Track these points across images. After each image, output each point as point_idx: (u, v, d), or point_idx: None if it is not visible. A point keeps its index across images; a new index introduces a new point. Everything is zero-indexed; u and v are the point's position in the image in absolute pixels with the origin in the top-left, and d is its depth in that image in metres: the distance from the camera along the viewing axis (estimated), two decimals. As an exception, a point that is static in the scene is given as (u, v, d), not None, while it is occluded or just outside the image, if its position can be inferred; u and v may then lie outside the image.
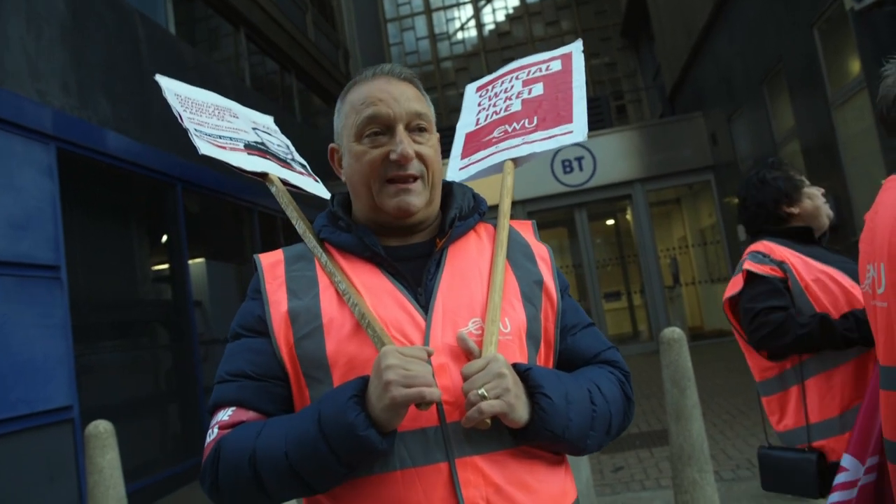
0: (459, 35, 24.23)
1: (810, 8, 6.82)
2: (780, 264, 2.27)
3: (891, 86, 1.56)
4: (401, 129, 1.19)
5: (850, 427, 2.08)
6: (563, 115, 1.60)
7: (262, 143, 1.72)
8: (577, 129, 1.56)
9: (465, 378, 1.03)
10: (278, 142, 1.84)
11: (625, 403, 1.22)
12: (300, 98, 12.09)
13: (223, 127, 1.68)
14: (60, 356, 4.97)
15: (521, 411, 1.04)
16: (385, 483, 1.04)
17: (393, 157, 1.17)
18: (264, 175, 1.58)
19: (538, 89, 1.70)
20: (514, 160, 1.55)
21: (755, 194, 2.48)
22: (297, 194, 1.63)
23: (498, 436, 1.07)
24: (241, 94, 9.11)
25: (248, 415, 1.12)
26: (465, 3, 24.39)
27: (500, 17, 24.09)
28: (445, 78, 23.93)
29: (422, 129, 1.22)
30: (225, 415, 1.13)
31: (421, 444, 1.05)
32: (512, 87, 1.76)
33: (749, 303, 2.27)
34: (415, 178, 1.19)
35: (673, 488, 3.54)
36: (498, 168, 1.56)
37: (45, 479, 4.70)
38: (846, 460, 1.93)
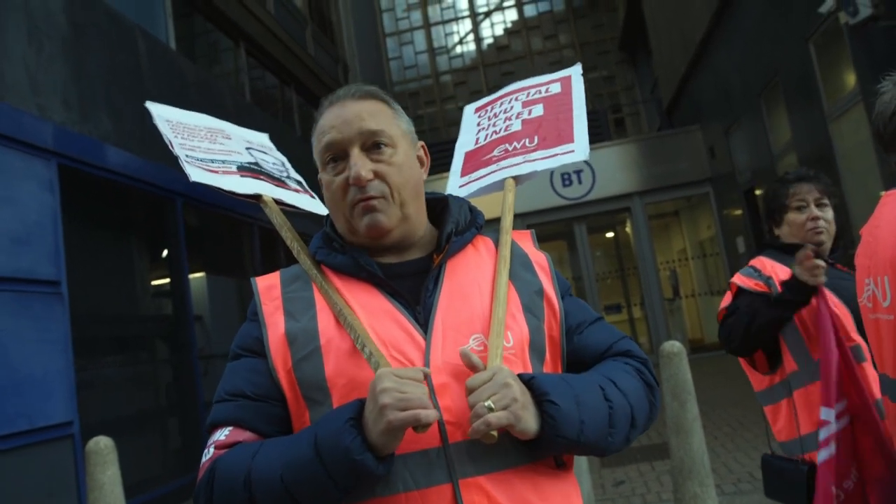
0: (458, 49, 24.37)
1: (806, 22, 6.87)
2: (767, 280, 2.33)
3: (887, 102, 1.58)
4: (355, 151, 1.18)
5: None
6: (563, 135, 1.60)
7: (256, 164, 1.71)
8: (579, 148, 1.56)
9: (471, 391, 1.01)
10: (273, 160, 1.83)
11: (647, 392, 1.20)
12: (300, 112, 12.14)
13: (215, 150, 1.67)
14: (61, 371, 4.96)
15: (529, 422, 1.02)
16: None
17: (350, 181, 1.17)
18: (258, 197, 1.57)
19: (538, 110, 1.70)
20: (515, 178, 1.55)
21: (764, 207, 2.58)
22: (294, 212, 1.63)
23: (502, 454, 1.06)
24: (241, 108, 9.15)
25: (244, 435, 1.11)
26: (463, 18, 24.55)
27: (499, 31, 24.25)
28: (444, 92, 24.04)
29: (380, 146, 1.19)
30: (222, 434, 1.12)
31: (424, 466, 1.04)
32: (511, 107, 1.76)
33: (727, 309, 2.38)
34: (376, 199, 1.17)
35: (674, 502, 3.54)
36: (499, 185, 1.56)
37: (45, 495, 4.68)
38: (823, 412, 2.01)
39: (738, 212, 10.83)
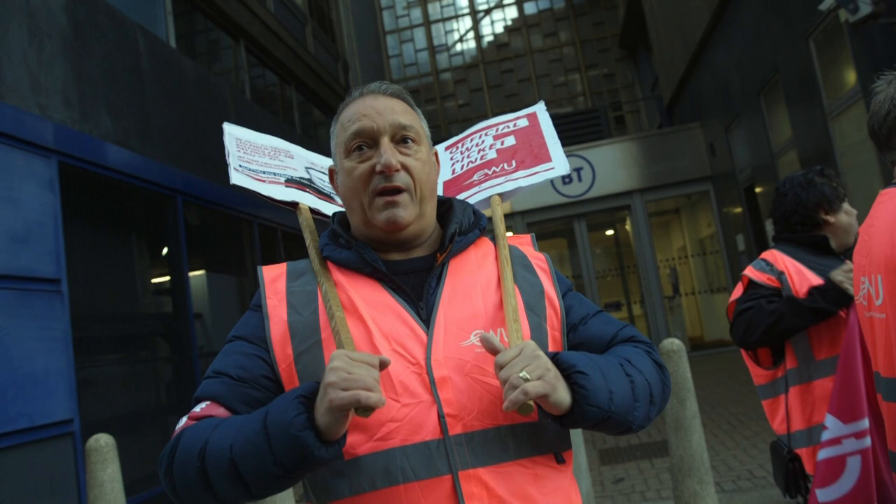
0: (458, 47, 24.33)
1: (806, 20, 6.87)
2: (780, 275, 2.33)
3: (882, 102, 1.59)
4: (385, 140, 1.20)
5: (816, 441, 2.18)
6: (540, 157, 1.65)
7: (310, 180, 1.72)
8: (558, 164, 1.62)
9: (501, 366, 1.02)
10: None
11: (658, 371, 1.22)
12: (300, 110, 12.14)
13: (272, 165, 1.69)
14: (61, 369, 4.97)
15: (562, 392, 1.03)
16: (388, 497, 1.04)
17: (378, 167, 1.18)
18: (295, 204, 1.58)
19: (510, 140, 1.75)
20: (500, 195, 1.59)
21: (799, 192, 2.49)
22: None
23: (502, 448, 1.07)
24: (241, 106, 9.15)
25: (219, 410, 1.12)
26: (463, 15, 24.52)
27: (499, 28, 24.22)
28: (444, 90, 24.02)
29: (408, 141, 1.22)
30: (198, 407, 1.13)
31: (424, 458, 1.05)
32: (483, 141, 1.80)
33: (739, 304, 2.38)
34: (401, 190, 1.19)
35: (674, 500, 3.54)
36: (485, 204, 1.59)
37: (45, 493, 4.69)
38: (828, 420, 2.04)
39: (738, 209, 10.83)
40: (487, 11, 24.35)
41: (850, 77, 6.34)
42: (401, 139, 1.22)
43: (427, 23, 24.49)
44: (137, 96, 6.68)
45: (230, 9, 9.35)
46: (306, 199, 1.62)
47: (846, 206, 2.46)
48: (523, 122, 1.81)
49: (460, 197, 1.63)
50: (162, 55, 7.38)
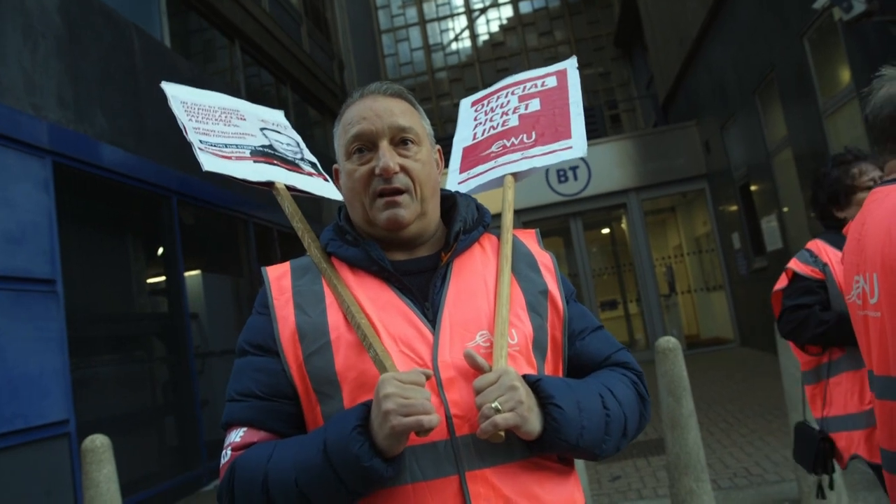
0: (454, 46, 24.34)
1: (800, 18, 6.88)
2: (824, 267, 2.36)
3: (882, 98, 1.59)
4: (384, 143, 1.20)
5: (869, 424, 2.19)
6: (561, 131, 1.61)
7: (270, 147, 1.71)
8: (577, 144, 1.57)
9: (478, 392, 1.04)
10: (287, 140, 1.82)
11: (639, 404, 1.23)
12: (296, 109, 12.12)
13: (229, 133, 1.67)
14: (57, 370, 4.96)
15: (534, 423, 1.05)
16: (396, 497, 1.05)
17: (377, 171, 1.18)
18: (270, 184, 1.57)
19: (535, 105, 1.71)
20: (514, 174, 1.56)
21: (815, 188, 2.54)
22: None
23: (508, 448, 1.08)
24: (237, 106, 9.12)
25: (259, 435, 1.14)
26: (459, 14, 24.52)
27: (494, 27, 24.23)
28: (440, 88, 24.03)
29: (407, 142, 1.23)
30: (237, 436, 1.14)
31: (431, 458, 1.06)
32: (508, 102, 1.76)
33: (785, 299, 2.44)
34: (400, 192, 1.19)
35: (670, 498, 3.55)
36: (498, 182, 1.57)
37: (41, 494, 4.68)
38: None
39: (734, 208, 10.85)
40: (483, 10, 24.36)
41: (845, 75, 6.36)
42: (400, 141, 1.22)
43: (422, 22, 24.49)
44: (132, 96, 6.66)
45: (225, 8, 9.33)
46: (278, 175, 1.60)
47: (861, 196, 2.41)
48: (551, 82, 1.77)
49: (477, 169, 1.63)
50: (157, 55, 7.36)
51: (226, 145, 1.62)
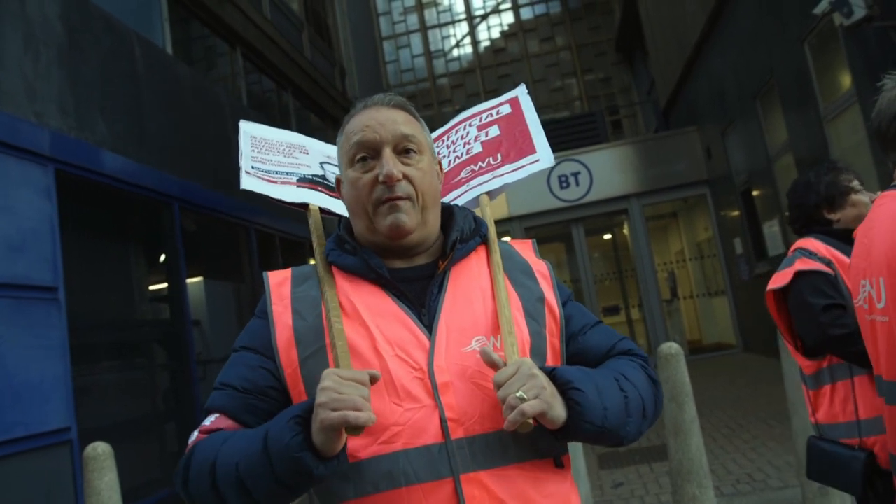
0: (455, 52, 24.41)
1: (801, 23, 6.89)
2: (829, 263, 2.32)
3: (891, 101, 1.58)
4: (387, 151, 1.22)
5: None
6: (524, 148, 1.66)
7: (322, 176, 1.72)
8: (543, 156, 1.62)
9: (499, 385, 1.05)
10: None
11: (652, 386, 1.25)
12: (297, 116, 12.14)
13: (285, 163, 1.69)
14: (58, 378, 4.95)
15: (559, 409, 1.06)
16: (391, 500, 1.06)
17: (380, 178, 1.20)
18: (305, 206, 1.59)
19: (494, 131, 1.76)
20: (488, 193, 1.60)
21: (797, 196, 2.54)
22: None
23: (502, 451, 1.09)
24: (238, 113, 9.14)
25: (227, 423, 1.17)
26: (460, 21, 24.60)
27: (496, 33, 24.30)
28: (442, 95, 24.08)
29: (410, 151, 1.24)
30: (208, 420, 1.18)
31: (426, 461, 1.07)
32: (468, 133, 1.81)
33: (812, 297, 2.25)
34: (402, 199, 1.21)
35: (673, 504, 3.53)
36: (473, 203, 1.61)
37: (42, 502, 4.67)
38: None
39: (736, 213, 10.85)
40: (484, 16, 24.43)
41: (846, 80, 6.36)
42: (403, 149, 1.24)
43: (423, 28, 24.56)
44: (134, 103, 6.67)
45: (226, 15, 9.36)
46: (317, 199, 1.62)
47: (856, 197, 2.45)
48: (506, 109, 1.81)
49: (450, 196, 1.65)
50: (158, 62, 7.38)
51: (276, 172, 1.64)
